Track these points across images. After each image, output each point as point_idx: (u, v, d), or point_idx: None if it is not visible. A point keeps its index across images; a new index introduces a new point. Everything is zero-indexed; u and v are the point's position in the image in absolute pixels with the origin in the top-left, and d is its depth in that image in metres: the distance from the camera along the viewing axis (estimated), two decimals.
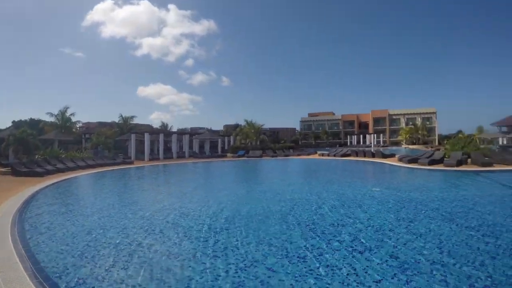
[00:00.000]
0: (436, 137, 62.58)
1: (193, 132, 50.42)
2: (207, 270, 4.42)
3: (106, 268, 4.53)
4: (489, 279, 4.02)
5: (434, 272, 4.24)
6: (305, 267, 4.49)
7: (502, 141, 45.57)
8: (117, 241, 5.76)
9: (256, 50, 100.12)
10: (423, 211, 8.08)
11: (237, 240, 5.77)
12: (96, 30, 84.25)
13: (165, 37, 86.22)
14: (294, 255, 4.96)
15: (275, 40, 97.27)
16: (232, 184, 15.42)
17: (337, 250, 5.23)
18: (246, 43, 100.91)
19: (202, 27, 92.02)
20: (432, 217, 7.50)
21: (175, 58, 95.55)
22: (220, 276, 4.24)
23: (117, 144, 35.89)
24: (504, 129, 49.08)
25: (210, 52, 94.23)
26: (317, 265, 4.58)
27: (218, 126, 77.30)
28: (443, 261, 4.65)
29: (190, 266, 4.60)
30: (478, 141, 27.49)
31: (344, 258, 4.85)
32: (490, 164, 17.56)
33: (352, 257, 4.89)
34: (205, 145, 39.50)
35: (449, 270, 4.33)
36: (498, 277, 4.07)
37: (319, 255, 4.96)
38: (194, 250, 5.26)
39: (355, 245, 5.43)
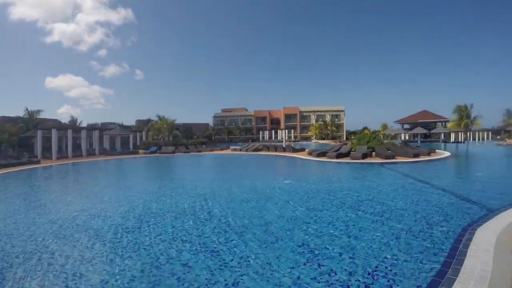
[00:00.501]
0: (344, 133, 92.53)
1: (103, 128, 65.43)
2: (122, 272, 5.84)
3: (16, 279, 5.72)
4: (395, 257, 6.19)
5: (343, 256, 6.29)
6: (219, 261, 6.19)
7: (404, 136, 66.26)
8: (26, 249, 7.19)
9: (172, 44, 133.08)
10: (331, 201, 11.42)
11: (150, 239, 7.68)
12: (4, 11, 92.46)
13: (78, 23, 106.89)
14: (208, 250, 6.80)
15: (192, 35, 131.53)
16: (143, 182, 19.64)
17: (250, 241, 7.23)
18: (162, 36, 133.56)
19: (119, 15, 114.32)
20: (339, 206, 10.70)
21: (88, 47, 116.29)
22: (135, 277, 5.65)
23: (22, 142, 43.74)
24: (406, 126, 77.06)
25: (125, 43, 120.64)
26: (231, 257, 6.34)
27: (131, 121, 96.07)
28: (351, 245, 6.86)
29: (104, 270, 6.03)
30: (382, 137, 37.31)
31: (258, 248, 6.81)
32: (392, 157, 25.48)
33: (266, 247, 6.87)
34: (116, 141, 49.72)
35: (357, 253, 6.43)
36: (402, 255, 6.29)
37: (233, 248, 6.88)
38: (107, 252, 6.89)
39: (268, 236, 7.57)
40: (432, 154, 28.95)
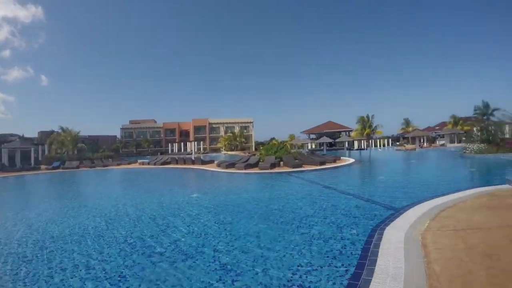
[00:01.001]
0: (253, 144, 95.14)
1: (2, 140, 59.97)
2: None
3: None
4: (309, 265, 6.08)
5: (257, 269, 6.04)
6: (127, 286, 5.72)
7: (311, 145, 70.13)
8: None
9: (82, 49, 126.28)
10: (241, 213, 11.22)
11: (49, 268, 6.85)
12: None
13: None
14: (114, 275, 6.23)
15: (101, 43, 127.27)
16: (43, 202, 17.35)
17: (159, 262, 6.78)
18: (71, 39, 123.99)
19: (28, 13, 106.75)
20: (249, 217, 10.52)
21: None
22: None
23: None
24: (312, 136, 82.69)
25: (32, 44, 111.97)
26: (139, 283, 5.85)
27: (33, 132, 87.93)
28: (263, 257, 6.67)
29: None
30: (289, 147, 37.92)
31: (168, 269, 6.39)
32: (300, 165, 26.37)
33: (175, 267, 6.45)
34: (16, 155, 46.89)
35: (270, 264, 6.24)
36: (316, 261, 6.22)
37: (140, 271, 6.37)
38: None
39: (177, 255, 7.17)
40: (337, 161, 30.57)
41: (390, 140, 77.03)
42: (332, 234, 7.91)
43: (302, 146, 65.76)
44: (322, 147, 67.22)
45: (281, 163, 28.27)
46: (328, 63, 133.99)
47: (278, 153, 30.91)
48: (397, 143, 73.42)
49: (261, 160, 29.32)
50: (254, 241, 7.78)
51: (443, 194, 11.53)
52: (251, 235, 8.34)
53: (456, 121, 70.88)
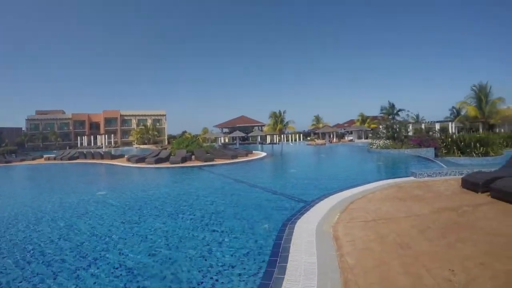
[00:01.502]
0: (166, 137, 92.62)
1: None
2: None
3: None
4: (220, 265, 5.81)
5: (165, 273, 5.63)
6: None
7: (224, 139, 70.74)
8: None
9: None
10: (149, 211, 10.60)
11: None
12: None
13: None
14: None
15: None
16: None
17: (59, 272, 5.96)
18: None
19: None
20: (157, 215, 9.98)
21: None
22: None
23: None
24: (226, 130, 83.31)
25: None
26: None
27: None
28: (172, 258, 6.29)
29: None
30: (201, 140, 37.39)
31: (69, 279, 5.63)
32: (212, 159, 26.24)
33: (77, 276, 5.75)
34: None
35: (179, 266, 5.88)
36: (228, 261, 5.99)
37: (39, 283, 5.52)
38: None
39: (79, 261, 6.42)
40: (249, 155, 30.84)
41: (301, 135, 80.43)
42: (244, 231, 7.73)
43: (215, 140, 66.00)
44: (235, 141, 67.57)
45: (193, 157, 27.88)
46: (246, 62, 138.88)
47: (190, 146, 30.58)
48: (308, 138, 76.23)
49: (173, 154, 28.69)
50: (162, 242, 7.35)
51: (352, 186, 11.92)
52: (159, 235, 7.87)
53: (363, 119, 75.90)
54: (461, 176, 12.32)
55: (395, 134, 31.24)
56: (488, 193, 9.57)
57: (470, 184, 10.36)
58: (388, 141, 31.17)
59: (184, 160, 25.89)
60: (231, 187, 14.39)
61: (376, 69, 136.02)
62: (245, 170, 21.51)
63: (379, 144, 31.15)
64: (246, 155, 30.12)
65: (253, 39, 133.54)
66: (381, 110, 53.92)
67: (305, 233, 6.86)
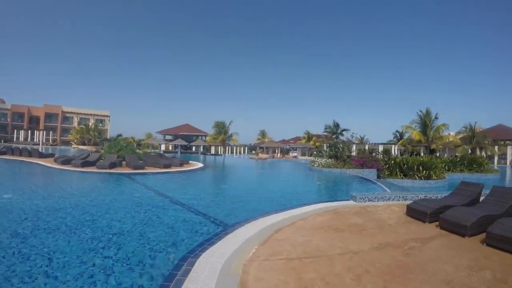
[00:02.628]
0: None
1: None
2: None
3: None
4: None
5: None
6: None
7: (166, 147, 68.59)
8: None
9: None
10: (46, 222, 8.76)
11: None
12: None
13: None
14: None
15: None
16: None
17: None
18: None
19: None
20: (54, 229, 8.12)
21: None
22: None
23: None
24: (169, 137, 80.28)
25: None
26: None
27: None
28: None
29: None
30: (145, 146, 34.61)
31: None
32: (142, 167, 24.12)
33: None
34: None
35: None
36: None
37: None
38: None
39: None
40: (184, 165, 28.95)
41: (246, 148, 79.29)
42: (142, 260, 6.01)
43: (158, 146, 63.93)
44: (176, 149, 65.61)
45: (124, 163, 25.51)
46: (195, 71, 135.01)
47: (122, 152, 27.94)
48: (253, 151, 75.05)
49: (102, 158, 26.17)
50: (43, 265, 5.74)
51: (284, 209, 10.33)
52: (44, 255, 6.20)
53: (309, 136, 75.69)
54: (405, 202, 11.21)
55: (338, 153, 30.24)
56: (436, 223, 8.32)
57: (417, 212, 9.04)
58: (330, 160, 30.10)
59: (112, 165, 23.47)
60: (150, 202, 12.28)
61: (323, 88, 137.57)
62: (174, 182, 19.53)
63: (320, 162, 29.99)
64: (181, 165, 28.23)
65: (205, 49, 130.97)
66: (325, 128, 53.49)
67: (206, 272, 5.11)
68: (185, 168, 26.90)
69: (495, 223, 7.05)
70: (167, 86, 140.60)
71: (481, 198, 10.02)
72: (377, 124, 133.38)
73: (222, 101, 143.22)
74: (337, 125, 51.35)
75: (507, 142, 53.31)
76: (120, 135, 72.51)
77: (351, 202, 11.71)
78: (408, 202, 11.35)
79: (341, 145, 31.54)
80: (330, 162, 28.95)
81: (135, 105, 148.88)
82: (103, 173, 20.90)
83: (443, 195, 11.85)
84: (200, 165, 31.05)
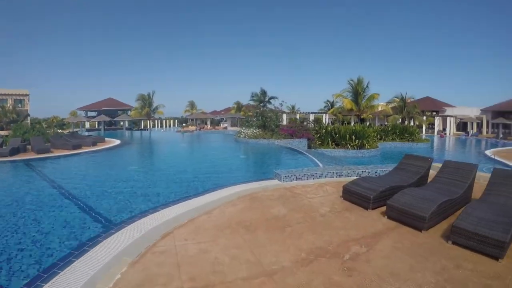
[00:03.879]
0: (29, 121, 75.90)
1: None
2: None
3: None
4: None
5: None
6: None
7: (91, 124, 64.44)
8: None
9: None
10: None
11: None
12: None
13: None
14: None
15: None
16: None
17: None
18: None
19: None
20: None
21: None
22: None
23: None
24: (92, 113, 71.94)
25: None
26: None
27: None
28: None
29: None
30: (43, 125, 31.48)
31: None
32: (47, 151, 20.53)
33: None
34: None
35: None
36: None
37: None
38: None
39: None
40: (99, 144, 25.84)
41: (176, 121, 75.47)
42: None
43: (79, 124, 58.73)
44: (100, 126, 60.65)
45: (30, 147, 21.83)
46: (122, 41, 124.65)
47: (28, 134, 24.05)
48: (184, 124, 71.19)
49: (6, 144, 22.17)
50: None
51: (194, 195, 8.14)
52: None
53: (239, 106, 72.36)
54: (340, 179, 9.33)
55: (266, 123, 27.94)
56: (381, 209, 6.47)
57: (355, 196, 7.02)
58: (257, 130, 27.79)
59: (14, 151, 19.71)
60: (36, 196, 9.40)
61: (255, 57, 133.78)
62: (78, 166, 16.42)
63: (247, 133, 27.60)
64: (94, 144, 25.01)
65: (128, 20, 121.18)
66: (252, 96, 49.26)
67: None
68: (97, 147, 23.89)
69: (463, 213, 5.14)
70: (91, 60, 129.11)
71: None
72: (310, 93, 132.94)
73: (150, 73, 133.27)
74: (264, 93, 47.39)
75: (434, 113, 54.92)
76: (28, 115, 65.20)
77: (274, 182, 9.47)
78: (344, 179, 9.54)
79: (269, 114, 29.22)
80: (257, 133, 26.81)
81: (58, 82, 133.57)
82: (1, 161, 17.21)
83: (383, 170, 10.16)
84: (117, 142, 27.85)
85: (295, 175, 9.46)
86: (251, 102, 48.73)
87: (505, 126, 48.31)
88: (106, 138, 30.11)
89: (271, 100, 45.73)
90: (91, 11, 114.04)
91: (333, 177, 9.88)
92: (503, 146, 30.77)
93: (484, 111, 53.17)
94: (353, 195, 7.08)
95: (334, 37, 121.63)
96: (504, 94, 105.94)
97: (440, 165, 8.00)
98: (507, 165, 16.51)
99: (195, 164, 16.66)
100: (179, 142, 32.08)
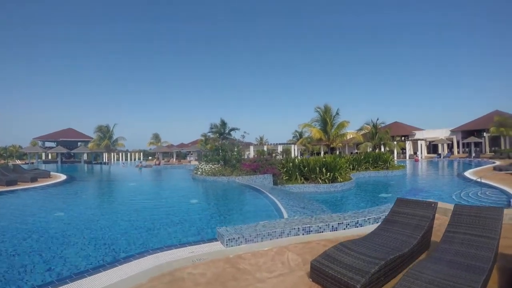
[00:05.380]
0: None
1: None
2: None
3: None
4: None
5: None
6: None
7: (46, 155, 62.50)
8: None
9: None
10: None
11: None
12: None
13: None
14: None
15: None
16: None
17: None
18: None
19: None
20: None
21: None
22: None
23: None
24: (51, 144, 68.40)
25: None
26: None
27: None
28: None
29: None
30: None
31: None
32: None
33: None
34: None
35: None
36: None
37: None
38: None
39: None
40: (40, 179, 23.26)
41: (141, 154, 72.41)
42: None
43: (35, 155, 55.78)
44: (58, 158, 56.95)
45: None
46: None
47: None
48: (150, 157, 67.94)
49: None
50: None
51: (79, 275, 5.27)
52: None
53: (206, 139, 69.37)
54: (309, 237, 6.76)
55: (226, 157, 24.82)
56: None
57: (332, 281, 4.18)
58: (216, 165, 24.63)
59: None
60: None
61: (225, 89, 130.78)
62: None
63: (204, 169, 24.34)
64: (33, 180, 22.10)
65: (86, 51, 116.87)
66: (211, 128, 45.82)
67: None
68: (36, 184, 21.20)
69: None
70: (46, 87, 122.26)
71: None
72: (279, 124, 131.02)
73: (114, 103, 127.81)
74: (224, 124, 43.83)
75: (403, 138, 55.53)
76: None
77: (216, 246, 6.48)
78: (313, 236, 6.88)
79: (230, 147, 26.30)
80: (216, 169, 23.63)
81: (22, 109, 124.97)
82: None
83: (367, 218, 7.64)
84: (62, 178, 24.92)
85: (244, 237, 6.44)
86: (210, 134, 45.65)
87: (476, 144, 49.25)
88: (52, 173, 27.38)
89: (231, 132, 42.60)
90: (50, 38, 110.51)
91: (298, 233, 6.97)
92: (478, 165, 30.59)
93: (453, 131, 54.50)
94: (327, 279, 4.24)
95: (302, 62, 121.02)
96: (472, 114, 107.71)
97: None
98: (497, 188, 15.42)
99: (129, 213, 12.83)
100: (130, 180, 28.80)
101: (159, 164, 52.50)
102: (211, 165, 24.41)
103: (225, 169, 23.01)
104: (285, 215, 9.34)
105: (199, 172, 24.28)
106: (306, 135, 48.48)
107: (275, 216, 9.88)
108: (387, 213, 6.46)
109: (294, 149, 51.90)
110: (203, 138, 66.25)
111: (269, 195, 13.50)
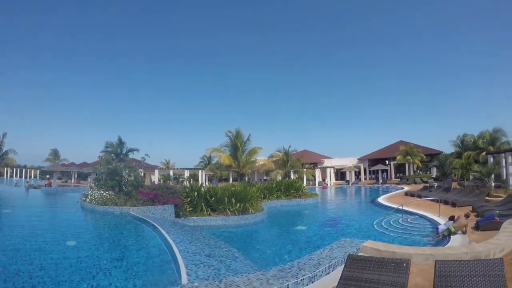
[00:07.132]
0: None
1: None
2: None
3: None
4: None
5: None
6: None
7: None
8: None
9: None
10: None
11: None
12: None
13: None
14: None
15: None
16: None
17: None
18: None
19: None
20: None
21: None
22: None
23: None
24: None
25: None
26: None
27: None
28: None
29: None
30: None
31: None
32: None
33: None
34: None
35: None
36: None
37: None
38: None
39: None
40: None
41: (38, 172, 63.57)
42: None
43: None
44: None
45: None
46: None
47: None
48: (47, 176, 56.92)
49: None
50: None
51: None
52: None
53: (101, 159, 62.58)
54: None
55: (122, 183, 20.66)
56: None
57: None
58: (108, 192, 19.94)
59: None
60: None
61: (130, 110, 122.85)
62: None
63: (94, 196, 19.57)
64: None
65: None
66: (106, 147, 39.21)
67: None
68: None
69: None
70: None
71: None
72: (187, 148, 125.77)
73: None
74: (121, 143, 38.31)
75: (312, 165, 56.30)
76: None
77: None
78: None
79: (124, 170, 21.45)
80: (107, 196, 19.23)
81: None
82: None
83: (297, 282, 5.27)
84: None
85: None
86: (103, 154, 39.39)
87: (383, 171, 52.48)
88: None
89: (129, 153, 37.67)
90: None
91: None
92: (386, 191, 32.06)
93: (361, 160, 58.58)
94: None
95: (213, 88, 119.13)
96: (377, 144, 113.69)
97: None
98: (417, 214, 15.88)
99: None
100: (8, 204, 23.94)
101: (50, 185, 42.68)
102: (102, 192, 19.83)
103: (118, 197, 18.96)
104: (184, 275, 6.54)
105: (88, 199, 19.70)
106: (214, 160, 45.40)
107: (169, 273, 7.07)
108: (323, 268, 4.44)
109: (202, 175, 48.63)
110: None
111: (166, 236, 10.29)
